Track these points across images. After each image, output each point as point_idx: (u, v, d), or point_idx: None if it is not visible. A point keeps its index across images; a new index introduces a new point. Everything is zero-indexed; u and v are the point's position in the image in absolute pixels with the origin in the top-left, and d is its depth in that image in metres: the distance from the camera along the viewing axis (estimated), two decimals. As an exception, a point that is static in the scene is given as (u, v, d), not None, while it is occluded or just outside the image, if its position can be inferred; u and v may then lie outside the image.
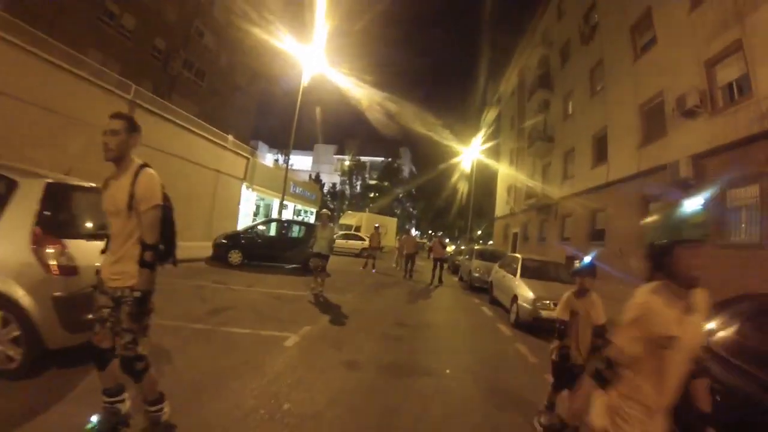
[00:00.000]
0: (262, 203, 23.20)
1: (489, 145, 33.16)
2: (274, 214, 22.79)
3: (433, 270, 12.31)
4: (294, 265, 11.37)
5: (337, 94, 21.50)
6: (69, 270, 2.82)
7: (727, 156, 8.56)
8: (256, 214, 21.68)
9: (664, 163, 10.10)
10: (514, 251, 20.94)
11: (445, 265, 16.23)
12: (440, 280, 12.25)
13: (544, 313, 6.41)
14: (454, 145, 37.68)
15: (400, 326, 6.14)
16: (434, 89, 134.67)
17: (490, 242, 40.10)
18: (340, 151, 68.59)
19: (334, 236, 10.93)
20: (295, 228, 12.58)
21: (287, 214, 22.78)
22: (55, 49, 9.76)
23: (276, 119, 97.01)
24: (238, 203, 17.38)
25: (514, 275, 8.02)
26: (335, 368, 3.92)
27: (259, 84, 31.06)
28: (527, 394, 3.83)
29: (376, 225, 15.92)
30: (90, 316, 2.21)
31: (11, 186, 2.85)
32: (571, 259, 14.94)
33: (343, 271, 12.82)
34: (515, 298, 7.29)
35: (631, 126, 12.51)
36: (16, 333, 2.68)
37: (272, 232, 12.20)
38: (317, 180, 54.95)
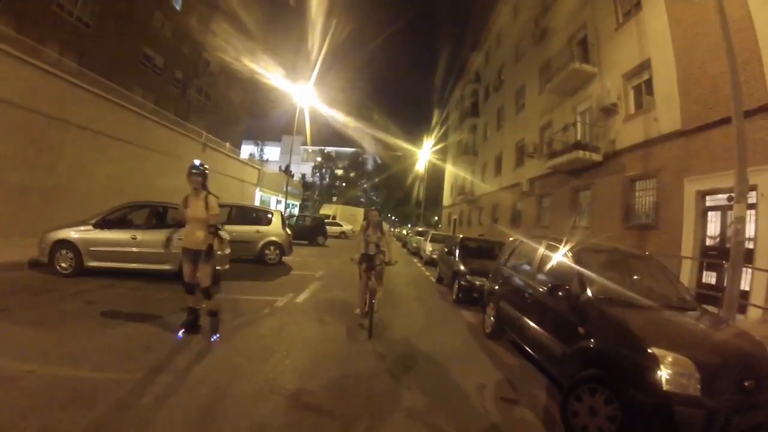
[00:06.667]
0: (259, 200, 29.64)
1: (441, 145, 40.87)
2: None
3: None
4: (306, 242, 18.41)
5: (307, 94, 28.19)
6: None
7: (543, 181, 16.60)
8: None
9: (518, 181, 18.13)
10: (454, 233, 29.00)
11: None
12: None
13: (434, 256, 14.27)
14: (409, 146, 45.35)
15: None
16: (394, 94, 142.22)
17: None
18: (307, 141, 74.33)
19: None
20: (307, 220, 19.70)
21: (280, 206, 29.44)
22: (162, 114, 15.97)
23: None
24: (253, 202, 23.92)
25: (426, 240, 16.26)
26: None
27: (248, 96, 36.75)
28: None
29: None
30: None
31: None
32: (481, 235, 23.06)
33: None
34: (424, 251, 15.51)
35: (511, 155, 20.51)
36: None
37: (292, 222, 19.17)
38: (287, 171, 60.82)
